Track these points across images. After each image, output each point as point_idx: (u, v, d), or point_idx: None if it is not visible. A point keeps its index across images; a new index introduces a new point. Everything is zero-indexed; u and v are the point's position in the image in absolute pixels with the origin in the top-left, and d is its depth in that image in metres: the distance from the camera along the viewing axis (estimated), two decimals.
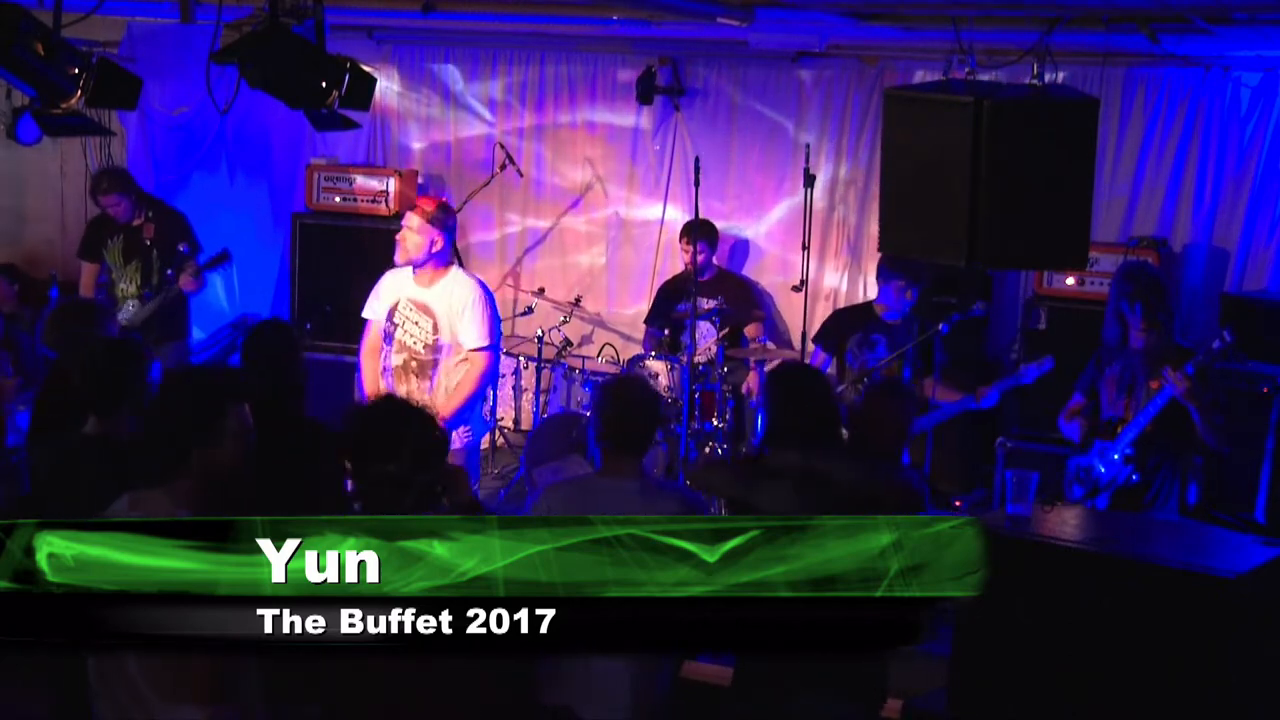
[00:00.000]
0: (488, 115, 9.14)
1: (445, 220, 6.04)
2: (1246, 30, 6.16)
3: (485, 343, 5.99)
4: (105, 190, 7.51)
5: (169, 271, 7.47)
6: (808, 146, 7.69)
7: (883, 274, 6.95)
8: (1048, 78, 4.57)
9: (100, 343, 4.62)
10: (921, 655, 3.61)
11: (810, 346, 7.49)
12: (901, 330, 6.85)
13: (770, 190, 8.61)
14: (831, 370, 7.00)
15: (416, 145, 9.34)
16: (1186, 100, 7.58)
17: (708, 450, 7.35)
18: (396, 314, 6.06)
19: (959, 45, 5.48)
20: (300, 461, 4.34)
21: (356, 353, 6.37)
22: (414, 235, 5.97)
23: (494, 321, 6.09)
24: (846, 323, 6.98)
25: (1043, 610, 4.06)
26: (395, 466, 3.40)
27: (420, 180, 9.18)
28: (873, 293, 8.11)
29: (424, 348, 6.00)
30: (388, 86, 9.20)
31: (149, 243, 7.51)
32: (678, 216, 8.70)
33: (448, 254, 6.14)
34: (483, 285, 6.14)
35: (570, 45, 8.81)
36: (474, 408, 6.15)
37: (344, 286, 8.43)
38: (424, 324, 6.01)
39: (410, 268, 6.09)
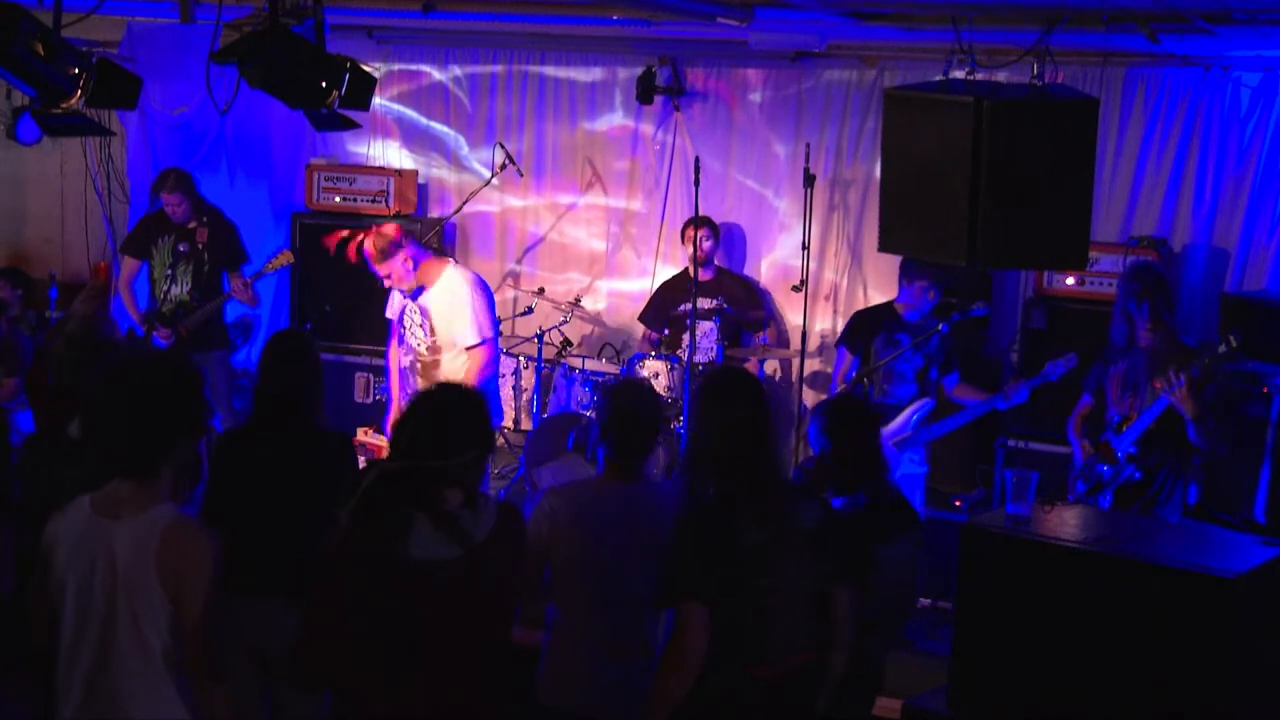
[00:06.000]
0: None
1: (397, 242, 5.97)
2: (1246, 30, 6.16)
3: (476, 340, 6.03)
4: (170, 189, 7.56)
5: (224, 275, 7.49)
6: (808, 146, 7.68)
7: (907, 273, 6.81)
8: (1048, 78, 4.56)
9: (70, 349, 4.59)
10: (921, 655, 3.62)
11: (814, 344, 7.47)
12: (924, 330, 6.80)
13: (770, 190, 8.61)
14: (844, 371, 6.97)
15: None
16: (1186, 100, 7.57)
17: None
18: (405, 317, 6.19)
19: (959, 45, 5.47)
20: (311, 471, 4.36)
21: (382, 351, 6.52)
22: (389, 270, 5.97)
23: (488, 315, 6.09)
24: (870, 323, 6.94)
25: (1043, 610, 4.05)
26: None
27: (421, 181, 9.17)
28: (873, 293, 8.12)
29: (426, 349, 6.12)
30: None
31: (200, 247, 7.54)
32: (677, 216, 8.70)
33: (428, 255, 6.15)
34: (478, 281, 6.16)
35: (570, 46, 8.80)
36: None
37: (344, 287, 8.42)
38: (424, 326, 6.12)
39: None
